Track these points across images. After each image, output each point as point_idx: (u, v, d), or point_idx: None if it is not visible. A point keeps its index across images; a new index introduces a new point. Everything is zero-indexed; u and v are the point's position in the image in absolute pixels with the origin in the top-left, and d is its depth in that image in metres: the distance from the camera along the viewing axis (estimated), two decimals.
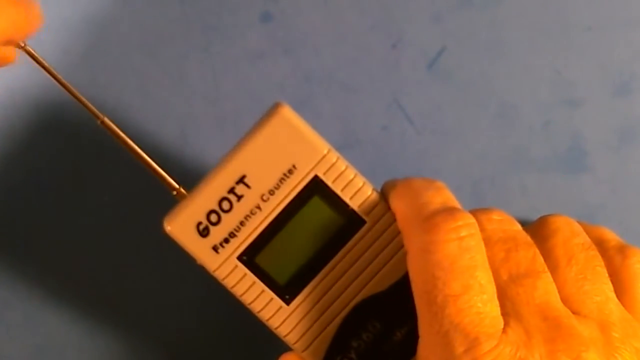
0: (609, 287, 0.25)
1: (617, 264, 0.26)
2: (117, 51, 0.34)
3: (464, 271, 0.23)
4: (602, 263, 0.25)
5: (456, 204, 0.25)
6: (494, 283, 0.24)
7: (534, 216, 0.35)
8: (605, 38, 0.35)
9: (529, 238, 0.25)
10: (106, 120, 0.27)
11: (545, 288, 0.24)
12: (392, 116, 0.35)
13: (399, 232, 0.26)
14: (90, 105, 0.27)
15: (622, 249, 0.26)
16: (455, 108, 0.35)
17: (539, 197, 0.35)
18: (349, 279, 0.26)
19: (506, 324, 0.23)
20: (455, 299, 0.23)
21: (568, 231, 0.26)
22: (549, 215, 0.27)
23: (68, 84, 0.27)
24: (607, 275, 0.25)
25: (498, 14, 0.35)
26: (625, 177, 0.35)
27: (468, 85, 0.35)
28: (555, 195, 0.35)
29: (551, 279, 0.24)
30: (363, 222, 0.26)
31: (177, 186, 0.26)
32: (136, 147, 0.27)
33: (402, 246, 0.26)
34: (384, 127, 0.35)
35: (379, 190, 0.27)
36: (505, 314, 0.23)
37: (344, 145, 0.34)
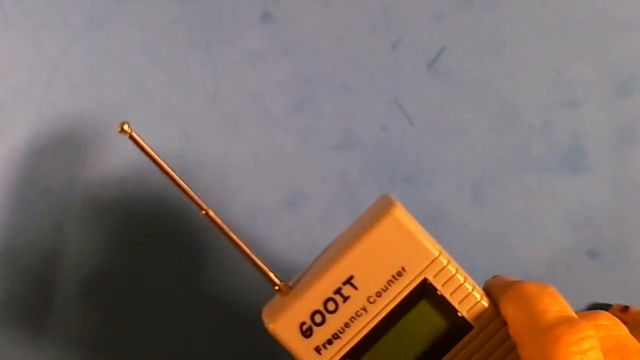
0: None
1: None
2: (117, 51, 0.34)
3: None
4: None
5: (572, 312, 0.25)
6: None
7: (534, 216, 0.35)
8: (605, 38, 0.35)
9: (637, 344, 0.26)
10: (210, 212, 0.26)
11: None
12: (392, 116, 0.35)
13: (507, 338, 0.26)
14: (195, 196, 0.26)
15: None
16: (455, 108, 0.35)
17: (539, 197, 0.35)
18: None
19: None
20: None
21: None
22: None
23: (173, 173, 0.26)
24: None
25: (498, 14, 0.35)
26: (625, 177, 0.35)
27: (468, 85, 0.35)
28: (555, 195, 0.35)
29: None
30: (471, 327, 0.26)
31: (279, 282, 0.26)
32: (238, 240, 0.26)
33: (508, 354, 0.26)
34: (384, 127, 0.35)
35: (485, 290, 0.27)
36: None
37: (344, 146, 0.34)
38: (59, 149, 0.34)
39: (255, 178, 0.34)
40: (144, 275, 0.34)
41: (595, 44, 0.35)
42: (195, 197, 0.25)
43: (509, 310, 0.26)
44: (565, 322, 0.24)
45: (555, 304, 0.25)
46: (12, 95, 0.34)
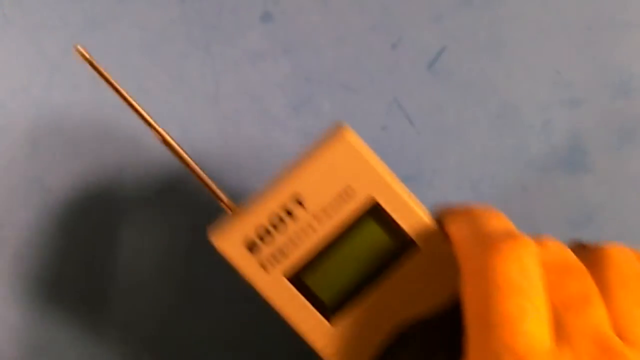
0: None
1: None
2: (117, 51, 0.34)
3: (521, 293, 0.23)
4: None
5: (517, 231, 0.26)
6: (548, 307, 0.24)
7: (535, 215, 0.35)
8: (605, 38, 0.35)
9: (582, 266, 0.26)
10: (167, 137, 0.26)
11: (597, 315, 0.24)
12: (392, 116, 0.35)
13: (450, 260, 0.26)
14: (148, 117, 0.26)
15: None
16: (455, 108, 0.35)
17: (539, 197, 0.35)
18: (396, 303, 0.26)
19: (557, 349, 0.23)
20: (510, 320, 0.23)
21: (622, 260, 0.26)
22: (603, 244, 0.27)
23: (127, 95, 0.26)
24: None
25: (498, 14, 0.35)
26: (625, 177, 0.35)
27: (468, 85, 0.35)
28: (555, 195, 0.35)
29: (604, 307, 0.24)
30: (416, 247, 0.26)
31: (226, 200, 0.26)
32: (189, 160, 0.26)
33: (452, 274, 0.26)
34: (384, 127, 0.35)
35: (432, 215, 0.27)
36: (556, 339, 0.23)
37: None
38: (59, 149, 0.34)
39: (255, 178, 0.34)
40: (150, 272, 0.34)
41: (595, 44, 0.35)
42: (148, 118, 0.26)
43: (454, 228, 0.26)
44: (508, 236, 0.24)
45: (500, 222, 0.26)
46: (12, 95, 0.34)
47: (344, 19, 0.35)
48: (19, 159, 0.34)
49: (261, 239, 0.25)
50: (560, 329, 0.24)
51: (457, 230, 0.26)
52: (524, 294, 0.23)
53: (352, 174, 0.25)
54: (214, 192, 0.26)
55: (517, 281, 0.23)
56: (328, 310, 0.26)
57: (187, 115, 0.35)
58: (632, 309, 0.25)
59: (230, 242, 0.25)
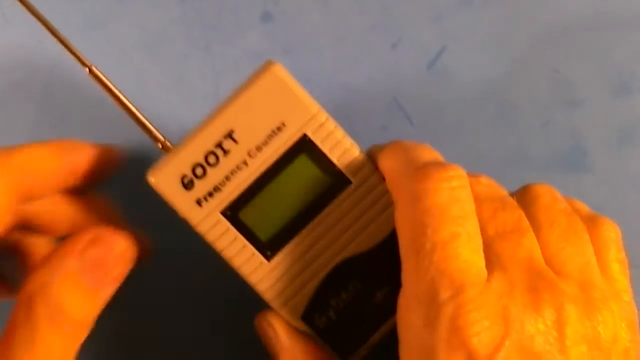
0: (590, 251, 0.25)
1: (590, 230, 0.26)
2: (117, 51, 0.34)
3: (453, 219, 0.23)
4: (584, 228, 0.26)
5: (447, 161, 0.26)
6: (480, 236, 0.24)
7: None
8: (605, 38, 0.35)
9: (514, 201, 0.26)
10: (94, 68, 0.26)
11: (529, 245, 0.24)
12: (392, 116, 0.35)
13: (384, 194, 0.26)
14: (78, 52, 0.26)
15: (592, 218, 0.27)
16: (455, 108, 0.35)
17: None
18: (332, 238, 0.26)
19: (490, 274, 0.23)
20: (443, 245, 0.23)
21: (550, 197, 0.27)
22: (532, 183, 0.27)
23: (57, 31, 0.26)
24: (589, 240, 0.26)
25: (498, 14, 0.35)
26: (625, 177, 0.35)
27: (468, 85, 0.35)
28: None
29: (535, 239, 0.25)
30: (349, 182, 0.26)
31: (162, 139, 0.26)
32: (123, 97, 0.26)
33: (386, 208, 0.26)
34: (384, 127, 0.35)
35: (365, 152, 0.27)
36: (490, 266, 0.23)
37: None
38: None
39: None
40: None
41: (595, 44, 0.35)
42: (78, 53, 0.26)
43: (385, 162, 0.26)
44: (437, 163, 0.25)
45: (430, 153, 0.26)
46: (12, 95, 0.34)
47: (344, 19, 0.35)
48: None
49: (196, 175, 0.25)
50: (493, 257, 0.24)
51: (388, 163, 0.26)
52: (456, 221, 0.23)
53: (283, 110, 0.26)
54: (149, 131, 0.26)
55: (449, 207, 0.24)
56: (264, 246, 0.26)
57: (187, 115, 0.35)
58: (559, 242, 0.25)
59: (165, 179, 0.25)
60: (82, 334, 0.25)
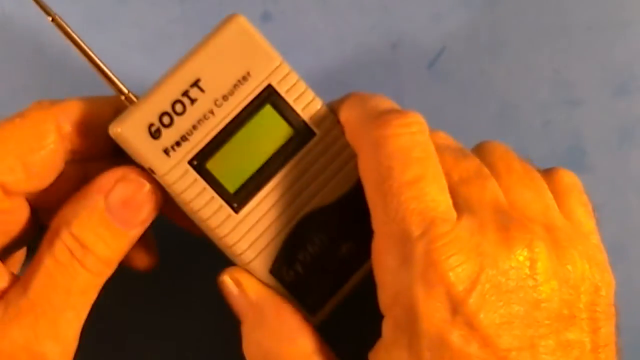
0: (549, 197, 0.26)
1: (548, 180, 0.27)
2: (117, 51, 0.34)
3: (418, 161, 0.24)
4: (540, 177, 0.26)
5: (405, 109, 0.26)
6: (444, 178, 0.24)
7: None
8: (605, 38, 0.35)
9: (476, 157, 0.26)
10: (57, 18, 0.25)
11: (493, 188, 0.25)
12: None
13: (346, 146, 0.26)
14: (41, 1, 0.25)
15: (548, 170, 0.27)
16: (455, 108, 0.35)
17: None
18: (297, 190, 0.26)
19: (459, 215, 0.23)
20: (410, 185, 0.23)
21: (504, 149, 0.27)
22: (483, 141, 0.28)
23: None
24: (546, 187, 0.26)
25: (498, 14, 0.35)
26: (625, 177, 0.35)
27: (468, 85, 0.35)
28: None
29: (497, 184, 0.25)
30: (313, 133, 0.26)
31: (126, 91, 0.25)
32: (86, 48, 0.25)
33: (348, 160, 0.27)
34: None
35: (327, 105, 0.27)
36: (458, 209, 0.24)
37: None
38: None
39: None
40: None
41: (595, 44, 0.35)
42: (42, 2, 0.25)
43: (345, 113, 0.26)
44: (395, 110, 0.25)
45: (387, 102, 0.26)
46: (12, 95, 0.34)
47: (344, 19, 0.35)
48: None
49: (163, 124, 0.25)
50: (460, 200, 0.24)
51: (347, 114, 0.26)
52: (420, 161, 0.24)
53: (249, 60, 0.26)
54: (113, 84, 0.25)
55: (412, 150, 0.24)
56: (232, 197, 0.26)
57: None
58: (518, 187, 0.25)
59: (131, 129, 0.25)
60: (106, 272, 0.25)
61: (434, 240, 0.22)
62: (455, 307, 0.22)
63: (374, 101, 0.26)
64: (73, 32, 0.25)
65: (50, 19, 0.25)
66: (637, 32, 0.35)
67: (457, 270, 0.22)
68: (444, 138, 0.27)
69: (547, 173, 0.27)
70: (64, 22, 0.25)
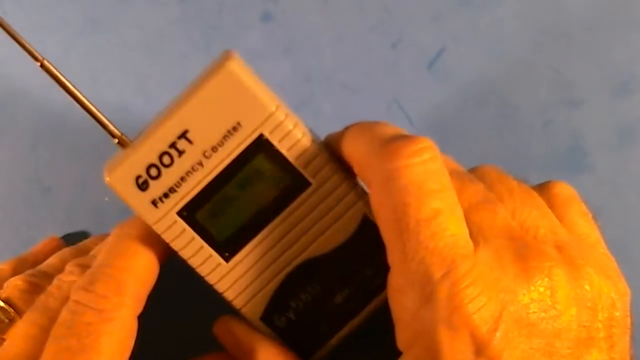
0: (551, 214, 0.25)
1: (545, 195, 0.26)
2: (117, 51, 0.35)
3: (433, 194, 0.23)
4: (536, 193, 0.26)
5: (412, 134, 0.25)
6: (460, 206, 0.23)
7: None
8: (605, 38, 0.35)
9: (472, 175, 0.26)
10: (46, 63, 0.25)
11: (504, 213, 0.24)
12: (392, 116, 0.35)
13: (344, 196, 0.26)
14: (29, 46, 0.25)
15: (541, 185, 0.27)
16: (455, 108, 0.35)
17: None
18: (292, 240, 0.26)
19: (475, 245, 0.23)
20: (428, 222, 0.22)
21: (497, 171, 0.27)
22: (474, 167, 0.27)
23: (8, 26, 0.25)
24: (544, 202, 0.26)
25: (498, 14, 0.35)
26: (625, 177, 0.35)
27: (468, 85, 0.35)
28: None
29: (504, 208, 0.25)
30: (308, 183, 0.26)
31: (119, 133, 0.25)
32: (77, 92, 0.25)
33: (347, 210, 0.26)
34: None
35: (325, 141, 0.26)
36: (472, 237, 0.23)
37: None
38: (59, 149, 0.34)
39: None
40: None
41: (595, 44, 0.35)
42: (30, 48, 0.25)
43: (349, 147, 0.25)
44: (402, 136, 0.24)
45: (391, 128, 0.25)
46: (13, 95, 0.34)
47: (344, 19, 0.35)
48: (19, 158, 0.34)
49: (150, 176, 0.25)
50: (473, 228, 0.23)
51: (351, 149, 0.25)
52: (435, 195, 0.23)
53: (239, 109, 0.25)
54: (106, 127, 0.25)
55: (426, 182, 0.23)
56: (221, 246, 0.26)
57: None
58: (524, 208, 0.25)
59: (120, 179, 0.25)
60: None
61: (457, 283, 0.22)
62: (480, 349, 0.21)
63: (378, 129, 0.25)
64: (62, 75, 0.25)
65: (39, 64, 0.25)
66: (637, 32, 0.35)
67: (481, 311, 0.22)
68: (448, 162, 0.26)
69: (542, 188, 0.27)
70: (53, 66, 0.25)
